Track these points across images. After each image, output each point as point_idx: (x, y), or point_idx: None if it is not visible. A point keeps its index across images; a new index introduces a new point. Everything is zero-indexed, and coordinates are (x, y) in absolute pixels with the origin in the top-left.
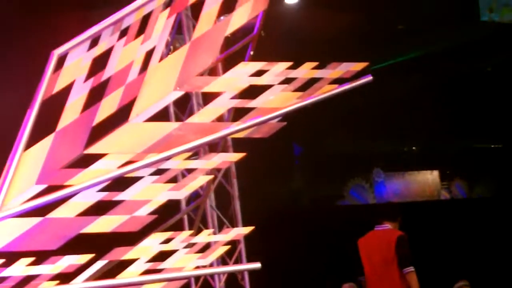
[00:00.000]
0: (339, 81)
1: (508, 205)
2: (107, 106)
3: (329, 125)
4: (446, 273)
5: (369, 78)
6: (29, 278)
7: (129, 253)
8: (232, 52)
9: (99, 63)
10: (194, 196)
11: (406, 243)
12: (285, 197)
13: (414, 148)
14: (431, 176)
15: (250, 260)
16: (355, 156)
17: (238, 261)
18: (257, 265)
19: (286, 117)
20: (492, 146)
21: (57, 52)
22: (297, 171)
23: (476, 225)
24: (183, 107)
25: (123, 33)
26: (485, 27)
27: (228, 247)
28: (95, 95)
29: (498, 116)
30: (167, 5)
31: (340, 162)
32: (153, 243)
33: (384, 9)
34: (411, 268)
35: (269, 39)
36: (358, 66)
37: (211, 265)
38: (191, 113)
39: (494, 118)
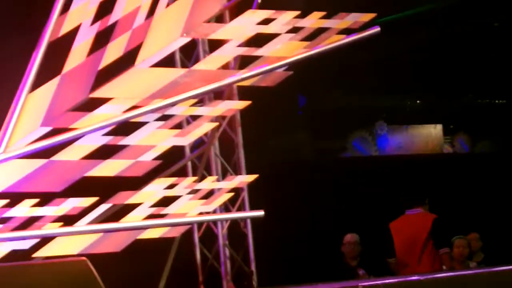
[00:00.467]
0: (346, 31)
1: (510, 161)
2: (113, 51)
3: (334, 78)
4: (447, 226)
5: (376, 29)
6: (33, 219)
7: (133, 198)
8: (240, 0)
9: (106, 7)
10: (198, 143)
11: (441, 225)
12: (288, 147)
13: (418, 102)
14: (434, 131)
15: (252, 208)
16: (359, 108)
17: (241, 209)
18: (260, 213)
19: (292, 66)
20: (496, 101)
21: None
22: (301, 122)
23: (478, 180)
24: (189, 54)
25: None
26: None
27: (231, 194)
28: (101, 39)
29: (503, 72)
30: None
31: (344, 114)
32: (157, 189)
33: None
34: (447, 249)
35: None
36: (366, 17)
37: (214, 211)
38: (197, 60)
39: (499, 74)
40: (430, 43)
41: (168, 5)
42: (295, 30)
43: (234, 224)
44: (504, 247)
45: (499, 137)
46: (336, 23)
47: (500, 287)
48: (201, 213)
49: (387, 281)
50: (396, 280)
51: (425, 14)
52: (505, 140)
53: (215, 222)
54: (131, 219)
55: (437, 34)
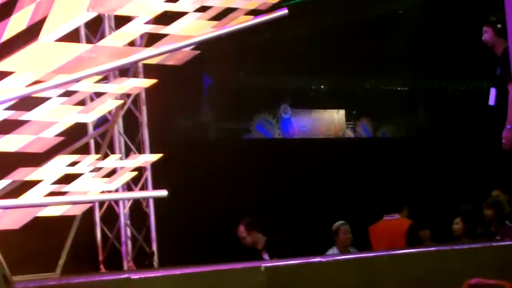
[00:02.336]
0: (254, 12)
1: (410, 146)
2: (17, 23)
3: (240, 59)
4: (345, 211)
5: (284, 11)
6: None
7: (33, 174)
8: None
9: None
10: (102, 121)
11: (416, 231)
12: (192, 127)
13: (322, 86)
14: (337, 115)
15: (155, 188)
16: (264, 91)
17: (143, 188)
18: (163, 192)
19: (199, 46)
20: (399, 88)
21: None
22: (206, 103)
23: (379, 164)
24: (95, 29)
25: None
26: None
27: (134, 173)
28: (3, 11)
29: (406, 59)
30: None
31: (249, 96)
32: (58, 166)
33: None
34: None
35: None
36: None
37: (116, 190)
38: (102, 36)
39: (402, 61)
40: (336, 27)
41: None
42: (203, 9)
43: (136, 204)
44: None
45: (401, 123)
46: (244, 3)
47: (400, 269)
48: (103, 192)
49: (289, 262)
50: (297, 261)
51: None
52: (407, 126)
53: (116, 201)
54: (31, 196)
55: (344, 19)
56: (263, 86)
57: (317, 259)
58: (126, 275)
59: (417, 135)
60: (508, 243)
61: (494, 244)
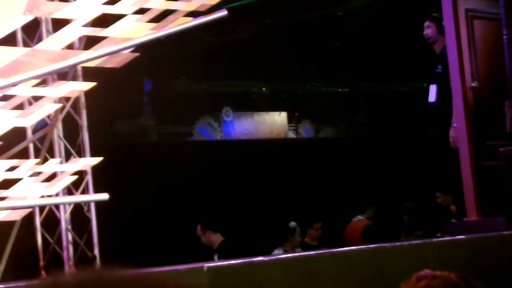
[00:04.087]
0: (194, 14)
1: (350, 146)
2: None
3: (181, 63)
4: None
5: (223, 12)
6: None
7: None
8: None
9: None
10: (41, 125)
11: (371, 231)
12: (133, 132)
13: (264, 89)
14: (279, 118)
15: (96, 193)
16: (205, 94)
17: (84, 192)
18: (105, 196)
19: (139, 49)
20: (340, 90)
21: None
22: (147, 108)
23: (321, 164)
24: (32, 33)
25: None
26: None
27: (75, 177)
28: None
29: (347, 60)
30: None
31: (190, 100)
32: None
33: None
34: None
35: None
36: (213, 0)
37: (56, 195)
38: (40, 40)
39: (343, 63)
40: (276, 30)
41: None
42: (142, 11)
43: (78, 208)
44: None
45: (342, 124)
46: (183, 5)
47: (342, 267)
48: (43, 196)
49: (231, 262)
50: (240, 261)
51: (270, 0)
52: (348, 127)
53: (57, 205)
54: None
55: (284, 21)
56: (205, 89)
57: (260, 258)
58: None
59: (357, 135)
60: (448, 238)
61: (435, 240)
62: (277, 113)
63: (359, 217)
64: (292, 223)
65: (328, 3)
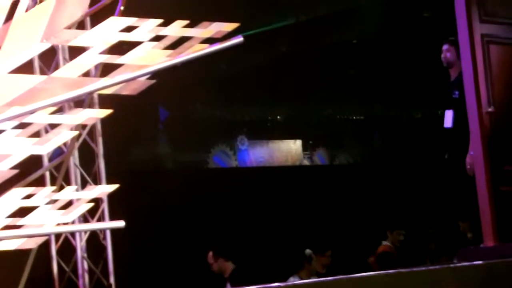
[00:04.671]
0: (209, 40)
1: (366, 173)
2: None
3: (196, 91)
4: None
5: (239, 39)
6: None
7: None
8: (102, 6)
9: None
10: (57, 153)
11: (386, 257)
12: (149, 159)
13: (278, 117)
14: (294, 146)
15: (112, 220)
16: (220, 122)
17: (100, 220)
18: (121, 223)
19: (155, 76)
20: (354, 117)
21: None
22: (162, 136)
23: (336, 190)
24: (49, 61)
25: None
26: None
27: (91, 204)
28: None
29: (361, 87)
30: None
31: (205, 128)
32: (13, 199)
33: None
34: None
35: None
36: (229, 26)
37: (73, 223)
38: (57, 68)
39: (358, 90)
40: (291, 57)
41: (28, 9)
42: (158, 38)
43: (93, 236)
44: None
45: (357, 151)
46: (199, 32)
47: None
48: (58, 224)
49: None
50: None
51: (287, 28)
52: (363, 154)
53: (73, 234)
54: None
55: (299, 48)
56: (220, 117)
57: (275, 285)
58: None
59: (373, 162)
60: (465, 264)
61: (452, 265)
62: (292, 141)
63: (384, 242)
64: (308, 251)
65: (343, 31)
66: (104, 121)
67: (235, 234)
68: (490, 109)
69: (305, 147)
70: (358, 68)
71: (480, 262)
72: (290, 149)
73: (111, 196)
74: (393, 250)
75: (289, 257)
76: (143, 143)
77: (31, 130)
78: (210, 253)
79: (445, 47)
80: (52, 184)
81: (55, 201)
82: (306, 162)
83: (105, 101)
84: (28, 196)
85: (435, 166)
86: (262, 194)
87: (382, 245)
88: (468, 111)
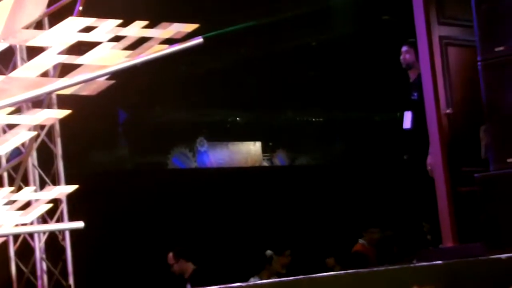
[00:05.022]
0: (169, 41)
1: (326, 175)
2: None
3: (155, 92)
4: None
5: (199, 40)
6: None
7: None
8: (60, 6)
9: None
10: (16, 154)
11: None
12: (108, 162)
13: (238, 119)
14: (253, 147)
15: (71, 221)
16: (180, 124)
17: (59, 221)
18: (80, 224)
19: (114, 77)
20: (314, 119)
21: None
22: (121, 138)
23: (295, 193)
24: (6, 61)
25: None
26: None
27: (50, 205)
28: None
29: (322, 90)
30: None
31: (164, 130)
32: None
33: None
34: None
35: None
36: (189, 27)
37: (31, 223)
38: (14, 68)
39: (318, 92)
40: (251, 60)
41: None
42: (117, 38)
43: (52, 237)
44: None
45: (317, 153)
46: (159, 32)
47: None
48: (17, 225)
49: None
50: None
51: (246, 31)
52: (323, 156)
53: (32, 235)
54: None
55: (258, 51)
56: (179, 119)
57: (237, 285)
58: None
59: (333, 164)
60: (425, 264)
61: (411, 265)
62: (251, 142)
63: (360, 241)
64: (269, 251)
65: (303, 33)
66: (63, 122)
67: (195, 235)
68: (448, 111)
69: (264, 149)
70: (317, 71)
71: (439, 262)
72: (250, 151)
73: (70, 197)
74: (367, 249)
75: (249, 258)
76: (102, 145)
77: None
78: (171, 254)
79: (404, 48)
80: (10, 185)
81: (13, 201)
82: (265, 164)
83: (63, 102)
84: None
85: (395, 168)
86: (221, 195)
87: (357, 244)
88: (427, 112)
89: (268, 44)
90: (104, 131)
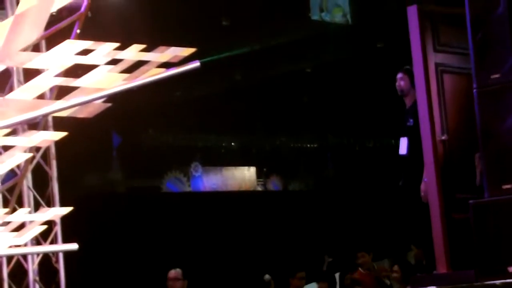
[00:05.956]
0: (166, 65)
1: (319, 200)
2: None
3: (150, 117)
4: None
5: (196, 64)
6: None
7: None
8: (58, 29)
9: None
10: (11, 176)
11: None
12: (103, 185)
13: (233, 144)
14: (248, 173)
15: (65, 243)
16: (174, 149)
17: (53, 243)
18: (74, 246)
19: (110, 100)
20: (308, 145)
21: None
22: (116, 161)
23: (288, 217)
24: (3, 84)
25: None
26: (316, 26)
27: (44, 227)
28: None
29: (315, 116)
30: None
31: (159, 154)
32: None
33: (210, 2)
34: None
35: (96, 19)
36: (186, 51)
37: (25, 245)
38: (11, 90)
39: (312, 118)
40: (246, 86)
41: None
42: (114, 62)
43: (46, 260)
44: None
45: (310, 179)
46: (156, 56)
47: None
48: (10, 246)
49: None
50: None
51: (241, 57)
52: (316, 182)
53: (25, 257)
54: None
55: (253, 77)
56: (173, 144)
57: None
58: None
59: (326, 189)
60: None
61: None
62: (246, 168)
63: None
64: (267, 276)
65: (298, 59)
66: (58, 145)
67: (189, 257)
68: (443, 137)
69: (259, 174)
70: (311, 97)
71: (433, 287)
72: (244, 176)
73: (64, 219)
74: (363, 275)
75: (242, 280)
76: (97, 168)
77: None
78: (179, 271)
79: (399, 75)
80: (5, 206)
81: (7, 223)
82: (260, 189)
83: (59, 124)
84: None
85: (388, 193)
86: (215, 218)
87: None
88: (423, 138)
89: (263, 70)
90: (98, 154)
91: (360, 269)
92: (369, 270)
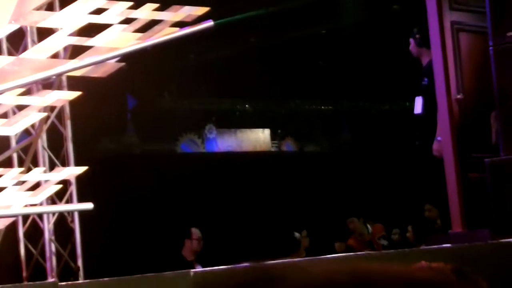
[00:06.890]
0: (180, 24)
1: (334, 162)
2: None
3: (165, 80)
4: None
5: (210, 23)
6: None
7: None
8: None
9: None
10: (25, 136)
11: None
12: (117, 147)
13: (247, 106)
14: (262, 135)
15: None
16: (189, 112)
17: (68, 203)
18: (89, 205)
19: (124, 60)
20: (323, 107)
21: None
22: (130, 124)
23: (305, 178)
24: (17, 43)
25: None
26: None
27: (59, 186)
28: None
29: (330, 79)
30: None
31: (173, 117)
32: None
33: None
34: None
35: None
36: (200, 10)
37: (41, 204)
38: (25, 50)
39: (327, 81)
40: (260, 48)
41: None
42: (128, 21)
43: (61, 219)
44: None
45: (325, 142)
46: (169, 15)
47: None
48: (26, 206)
49: (220, 268)
50: (226, 267)
51: (256, 19)
52: (330, 145)
53: (41, 216)
54: None
55: (267, 39)
56: (188, 107)
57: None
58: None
59: (341, 152)
60: (434, 247)
61: (421, 248)
62: (260, 130)
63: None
64: (297, 234)
65: (313, 22)
66: (73, 105)
67: (204, 217)
68: (459, 96)
69: (273, 137)
70: (327, 60)
71: (449, 245)
72: (259, 138)
73: (79, 179)
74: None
75: (257, 239)
76: (112, 130)
77: None
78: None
79: (411, 41)
80: (20, 166)
81: (23, 182)
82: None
83: (73, 84)
84: None
85: (406, 153)
86: (230, 179)
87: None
88: (438, 98)
89: (278, 33)
90: (113, 116)
91: (352, 236)
92: (361, 235)
